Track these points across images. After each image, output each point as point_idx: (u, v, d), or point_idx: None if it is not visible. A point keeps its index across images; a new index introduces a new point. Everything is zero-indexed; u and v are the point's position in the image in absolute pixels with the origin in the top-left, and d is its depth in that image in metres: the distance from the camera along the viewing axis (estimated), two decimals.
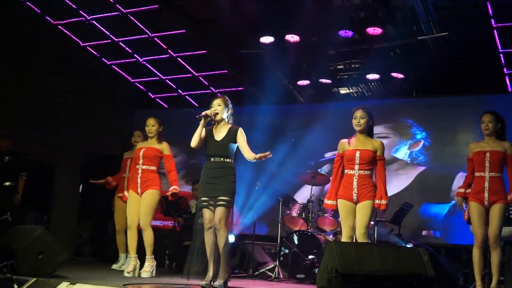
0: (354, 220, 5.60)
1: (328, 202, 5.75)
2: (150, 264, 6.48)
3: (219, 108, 5.64)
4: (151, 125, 6.72)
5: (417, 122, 9.37)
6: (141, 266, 6.57)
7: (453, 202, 8.46)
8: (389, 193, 5.76)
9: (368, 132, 5.75)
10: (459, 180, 8.32)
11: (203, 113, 5.61)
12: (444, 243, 8.76)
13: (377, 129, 8.51)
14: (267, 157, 5.45)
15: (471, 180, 5.86)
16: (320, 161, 9.58)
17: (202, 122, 5.60)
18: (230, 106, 5.74)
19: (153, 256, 6.54)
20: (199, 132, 5.61)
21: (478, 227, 5.69)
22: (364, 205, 5.57)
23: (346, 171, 5.71)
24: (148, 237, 6.49)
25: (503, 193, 5.66)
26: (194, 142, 5.62)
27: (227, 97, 5.76)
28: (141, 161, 6.63)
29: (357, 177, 5.58)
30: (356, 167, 5.60)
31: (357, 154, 5.58)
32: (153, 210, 6.57)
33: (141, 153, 6.66)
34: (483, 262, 5.76)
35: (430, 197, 9.04)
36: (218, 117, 5.65)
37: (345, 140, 5.76)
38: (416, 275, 4.39)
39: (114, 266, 7.43)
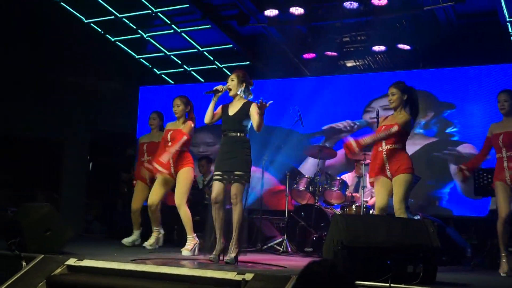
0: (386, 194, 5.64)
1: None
2: (191, 243, 6.36)
3: (232, 84, 5.61)
4: (176, 105, 6.67)
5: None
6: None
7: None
8: None
9: (404, 106, 5.70)
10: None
11: (214, 88, 5.59)
12: (453, 215, 8.73)
13: (383, 101, 8.45)
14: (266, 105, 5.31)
15: (480, 159, 5.98)
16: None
17: (214, 98, 5.61)
18: (247, 81, 5.65)
19: (194, 235, 6.41)
20: (211, 108, 5.63)
21: (502, 203, 5.72)
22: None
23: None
24: (184, 214, 6.40)
25: None
26: (207, 118, 5.65)
27: (242, 72, 5.68)
28: (169, 144, 6.57)
29: (385, 152, 5.60)
30: (384, 142, 5.61)
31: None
32: (188, 188, 6.50)
33: (168, 136, 6.62)
34: (507, 234, 5.77)
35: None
36: (232, 93, 5.62)
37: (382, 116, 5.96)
38: (422, 246, 4.36)
39: (124, 241, 7.36)
